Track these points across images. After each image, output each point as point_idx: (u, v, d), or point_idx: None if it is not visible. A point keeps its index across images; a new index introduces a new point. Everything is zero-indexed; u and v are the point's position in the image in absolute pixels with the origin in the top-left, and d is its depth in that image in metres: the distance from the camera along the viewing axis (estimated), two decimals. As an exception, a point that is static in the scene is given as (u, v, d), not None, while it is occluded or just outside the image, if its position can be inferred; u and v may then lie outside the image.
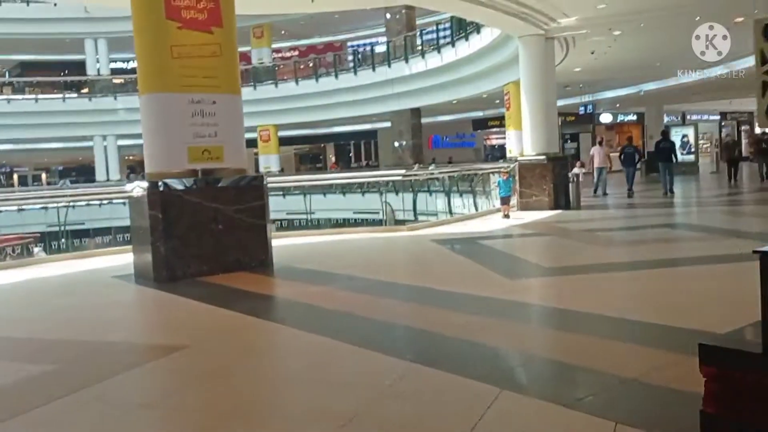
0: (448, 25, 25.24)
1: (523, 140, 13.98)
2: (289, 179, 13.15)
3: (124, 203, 20.09)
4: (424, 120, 29.29)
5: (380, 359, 3.92)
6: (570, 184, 13.78)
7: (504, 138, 39.84)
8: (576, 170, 15.24)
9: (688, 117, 38.90)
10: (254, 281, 7.08)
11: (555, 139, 14.17)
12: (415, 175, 13.62)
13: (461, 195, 14.87)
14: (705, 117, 39.95)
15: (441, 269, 7.33)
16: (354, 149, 40.51)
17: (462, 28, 23.51)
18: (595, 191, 16.62)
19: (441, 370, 3.62)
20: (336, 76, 28.77)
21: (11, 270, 8.87)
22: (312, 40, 35.60)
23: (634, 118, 36.34)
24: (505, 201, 12.48)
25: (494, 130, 37.99)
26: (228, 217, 7.50)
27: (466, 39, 22.40)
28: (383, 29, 30.63)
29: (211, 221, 7.41)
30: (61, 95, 29.53)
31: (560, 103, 27.09)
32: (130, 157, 38.21)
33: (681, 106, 34.26)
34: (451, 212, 12.99)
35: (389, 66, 26.81)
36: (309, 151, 43.46)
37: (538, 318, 5.14)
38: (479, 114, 33.67)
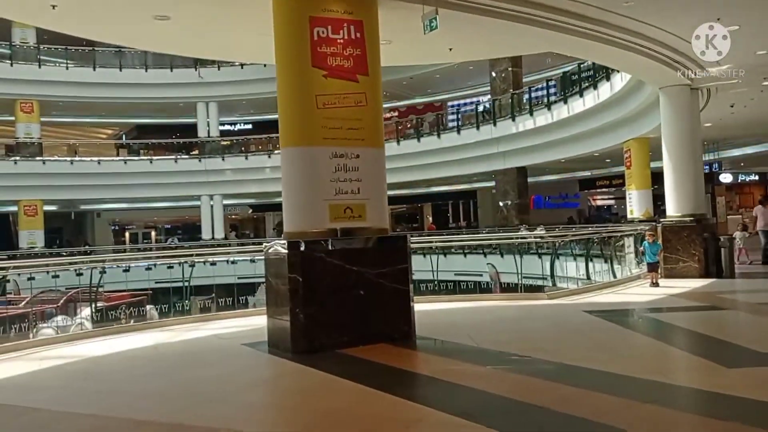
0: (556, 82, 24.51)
1: (667, 200, 12.65)
2: (420, 240, 12.32)
3: (227, 262, 20.04)
4: (528, 179, 28.20)
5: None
6: (723, 250, 12.22)
7: (611, 198, 38.35)
8: (738, 233, 13.63)
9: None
10: (404, 357, 6.20)
11: (702, 199, 12.75)
12: (563, 236, 12.52)
13: (576, 259, 13.53)
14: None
15: (622, 349, 6.18)
16: (452, 209, 39.62)
17: (574, 84, 22.59)
18: (765, 259, 13.99)
19: None
20: (438, 135, 28.29)
21: (130, 334, 8.34)
22: (413, 100, 35.55)
23: (756, 178, 33.66)
24: (653, 267, 11.13)
25: (600, 190, 36.29)
26: (370, 282, 6.73)
27: (581, 95, 21.40)
28: (485, 88, 30.12)
29: (352, 286, 6.65)
30: (173, 156, 30.56)
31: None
32: (233, 216, 39.05)
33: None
34: (589, 278, 11.74)
35: (495, 124, 26.09)
36: (405, 211, 42.97)
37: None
38: (587, 174, 32.14)
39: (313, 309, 6.43)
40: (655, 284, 10.95)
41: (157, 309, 13.57)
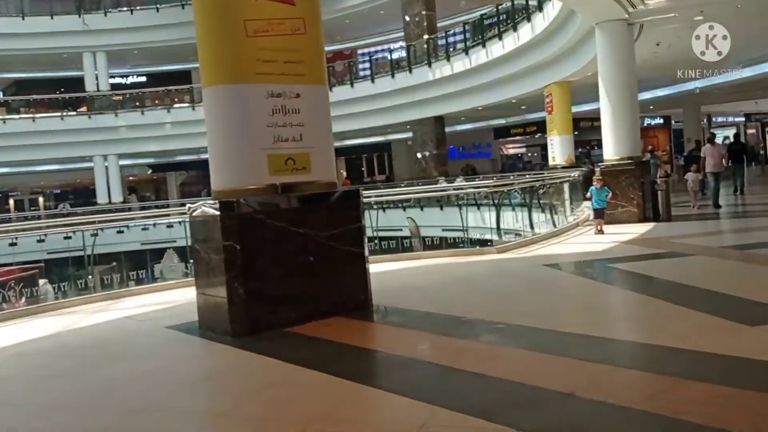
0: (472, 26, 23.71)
1: (604, 144, 12.23)
2: (372, 193, 11.18)
3: (127, 227, 18.10)
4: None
5: None
6: (659, 193, 12.00)
7: (522, 147, 38.58)
8: (691, 175, 13.43)
9: (714, 119, 37.51)
10: (369, 334, 5.27)
11: (638, 141, 12.42)
12: (509, 185, 11.84)
13: (515, 208, 13.00)
14: (730, 119, 38.50)
15: (617, 310, 5.53)
16: (366, 163, 38.61)
17: (492, 27, 21.86)
18: (716, 203, 13.27)
19: None
20: (352, 84, 27.00)
21: (23, 320, 6.93)
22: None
23: (661, 121, 34.72)
24: (599, 214, 10.68)
25: (512, 139, 36.37)
26: (320, 246, 5.67)
27: (500, 38, 20.71)
28: (399, 34, 28.92)
29: (299, 252, 5.57)
30: (59, 114, 27.62)
31: (586, 107, 25.52)
32: (131, 178, 36.27)
33: (708, 108, 32.73)
34: (532, 227, 11.18)
35: (410, 72, 25.08)
36: (316, 167, 41.67)
37: None
38: (502, 122, 31.92)
39: (255, 282, 5.31)
40: (600, 231, 10.53)
41: (54, 286, 11.91)
